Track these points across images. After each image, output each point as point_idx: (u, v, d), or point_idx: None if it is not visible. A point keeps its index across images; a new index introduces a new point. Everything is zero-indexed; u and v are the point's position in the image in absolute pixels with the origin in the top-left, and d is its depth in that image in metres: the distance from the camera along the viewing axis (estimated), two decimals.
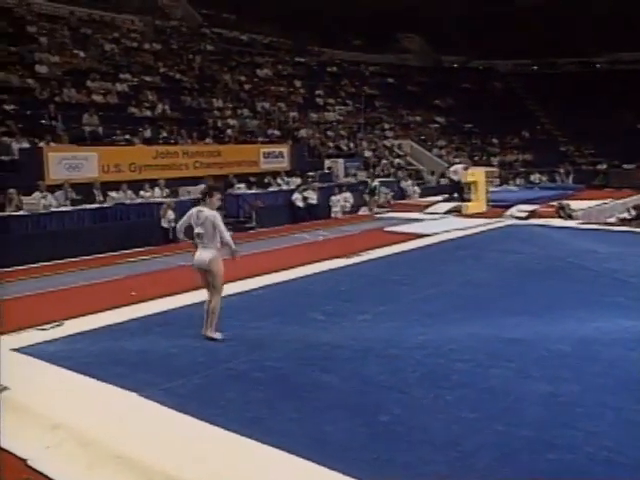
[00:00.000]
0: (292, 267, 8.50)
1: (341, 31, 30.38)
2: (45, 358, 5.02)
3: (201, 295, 6.76)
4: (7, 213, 11.55)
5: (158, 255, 10.72)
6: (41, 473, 3.49)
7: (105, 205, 13.31)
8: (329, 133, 23.00)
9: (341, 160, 20.07)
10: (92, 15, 22.67)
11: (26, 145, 14.00)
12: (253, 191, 16.44)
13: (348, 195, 16.69)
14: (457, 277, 7.51)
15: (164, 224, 13.31)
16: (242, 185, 16.28)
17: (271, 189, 17.03)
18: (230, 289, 7.24)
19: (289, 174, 18.18)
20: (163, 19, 25.53)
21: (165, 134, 17.41)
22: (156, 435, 3.76)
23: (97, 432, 3.81)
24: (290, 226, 14.25)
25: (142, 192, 14.55)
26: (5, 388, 4.45)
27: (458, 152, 25.31)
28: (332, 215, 15.88)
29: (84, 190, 13.55)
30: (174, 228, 12.86)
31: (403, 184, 19.65)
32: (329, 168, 19.60)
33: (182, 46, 24.02)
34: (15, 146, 13.75)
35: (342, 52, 30.81)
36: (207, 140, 17.90)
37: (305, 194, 16.33)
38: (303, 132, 21.83)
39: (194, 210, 5.49)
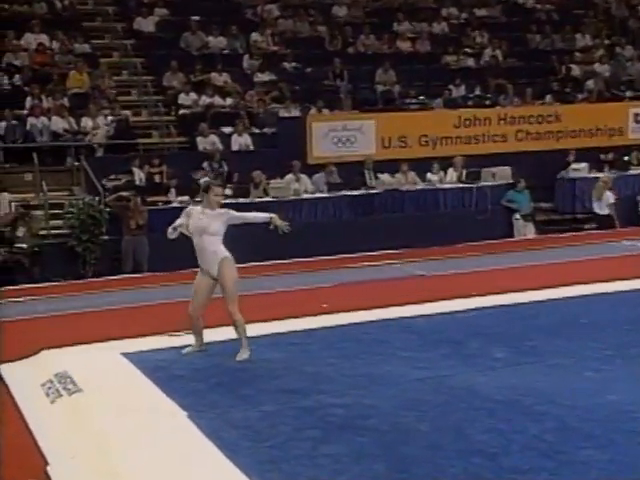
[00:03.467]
0: (563, 285, 9.28)
1: None
2: (141, 366, 6.90)
3: (386, 313, 8.10)
4: (249, 199, 14.62)
5: (398, 261, 12.23)
6: None
7: (372, 192, 15.29)
8: None
9: None
10: None
11: (296, 113, 17.16)
12: (603, 174, 16.17)
13: None
14: None
15: (601, 209, 14.31)
16: (582, 165, 16.21)
17: (635, 171, 16.42)
18: (441, 307, 8.39)
19: None
20: None
21: (479, 92, 18.69)
22: (164, 462, 4.95)
23: (121, 449, 5.22)
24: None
25: (429, 175, 16.14)
26: (78, 390, 6.36)
27: None
28: None
29: (354, 171, 15.77)
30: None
31: None
32: None
33: None
34: (283, 115, 17.12)
35: None
36: (547, 98, 18.37)
37: None
38: None
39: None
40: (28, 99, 15.82)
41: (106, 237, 13.41)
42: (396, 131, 16.62)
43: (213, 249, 7.12)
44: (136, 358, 7.23)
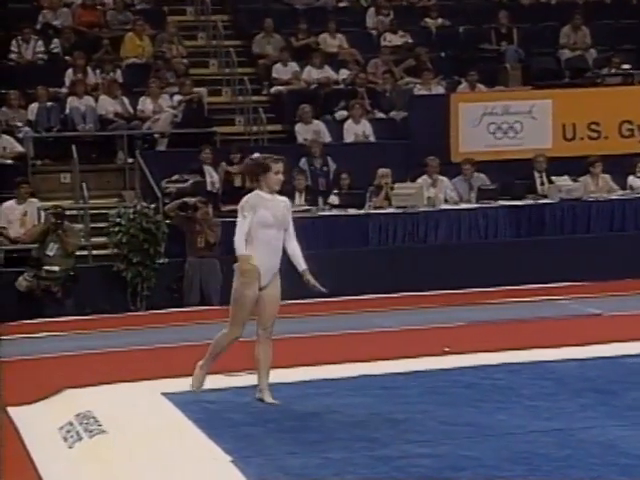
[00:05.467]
0: None
1: None
2: (184, 407, 8.14)
3: (524, 356, 9.16)
4: (364, 210, 15.58)
5: (567, 296, 13.34)
6: None
7: (543, 202, 16.06)
8: None
9: None
10: None
11: (438, 90, 18.15)
12: None
13: None
14: None
15: None
16: None
17: None
18: (602, 351, 9.63)
19: None
20: None
21: None
22: None
23: None
24: None
25: (632, 179, 16.65)
26: (102, 431, 7.58)
27: None
28: None
29: (518, 173, 16.66)
30: None
31: None
32: None
33: None
34: (420, 92, 18.01)
35: None
36: None
37: None
38: None
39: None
40: (69, 72, 17.38)
41: (164, 260, 14.62)
42: (585, 115, 17.29)
43: (279, 253, 8.27)
44: (179, 399, 8.45)
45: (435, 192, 16.14)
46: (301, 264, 8.38)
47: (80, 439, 7.69)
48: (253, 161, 8.33)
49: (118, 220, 14.48)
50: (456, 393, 8.46)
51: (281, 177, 8.29)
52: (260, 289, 8.24)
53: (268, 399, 8.35)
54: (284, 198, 8.42)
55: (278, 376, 8.83)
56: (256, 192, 8.21)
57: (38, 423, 8.46)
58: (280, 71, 18.18)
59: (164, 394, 8.66)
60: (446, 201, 16.19)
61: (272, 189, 8.22)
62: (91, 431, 7.75)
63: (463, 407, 8.01)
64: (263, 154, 8.47)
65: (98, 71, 17.67)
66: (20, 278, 14.05)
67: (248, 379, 9.00)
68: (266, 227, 8.12)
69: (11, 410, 8.76)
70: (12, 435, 8.10)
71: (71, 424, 8.06)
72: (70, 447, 7.64)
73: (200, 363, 8.63)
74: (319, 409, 8.19)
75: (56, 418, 8.38)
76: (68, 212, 15.09)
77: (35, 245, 14.51)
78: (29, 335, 12.08)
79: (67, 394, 9.03)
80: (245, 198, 8.24)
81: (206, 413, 8.05)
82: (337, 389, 8.67)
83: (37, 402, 9.06)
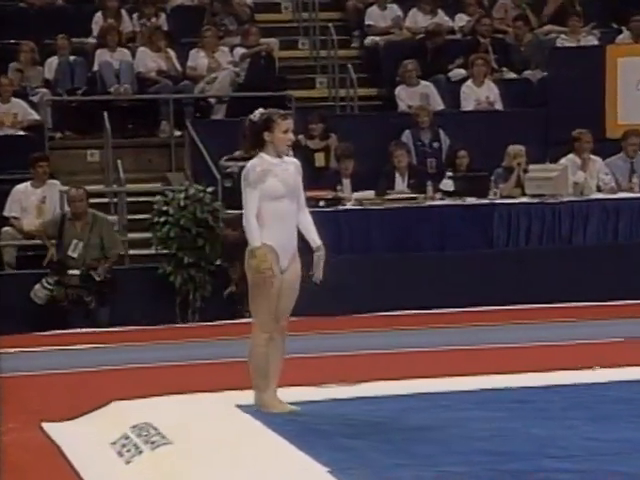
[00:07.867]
0: None
1: None
2: (263, 418, 9.23)
3: None
4: (487, 199, 16.20)
5: None
6: None
7: None
8: None
9: None
10: None
11: (589, 41, 18.73)
12: None
13: None
14: None
15: None
16: None
17: None
18: None
19: None
20: None
21: None
22: None
23: None
24: None
25: None
26: (167, 442, 8.58)
27: None
28: None
29: None
30: None
31: None
32: None
33: None
34: (564, 44, 18.70)
35: None
36: None
37: None
38: None
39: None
40: (97, 17, 18.26)
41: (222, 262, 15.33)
42: None
43: (295, 228, 9.25)
44: (258, 411, 9.55)
45: (585, 176, 16.66)
46: (315, 240, 9.29)
47: (140, 452, 8.73)
48: (253, 120, 9.23)
49: (164, 209, 15.08)
50: (608, 408, 9.44)
51: (291, 136, 9.27)
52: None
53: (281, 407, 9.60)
54: (293, 159, 9.37)
55: (389, 389, 10.21)
56: (260, 156, 9.10)
57: (84, 439, 9.55)
58: (376, 17, 18.91)
59: (239, 406, 9.77)
60: (599, 189, 16.76)
61: (279, 151, 9.19)
62: (153, 442, 8.78)
63: (616, 423, 8.96)
64: (268, 110, 9.31)
65: (135, 16, 18.51)
66: (37, 286, 14.72)
67: (341, 391, 10.33)
68: (277, 199, 9.04)
69: (47, 426, 9.95)
70: (53, 453, 9.22)
71: (127, 437, 9.12)
72: (128, 462, 8.67)
73: (257, 395, 9.69)
74: (434, 422, 9.21)
75: (106, 432, 9.48)
76: (98, 199, 15.86)
77: (53, 242, 15.25)
78: (58, 347, 13.24)
79: (116, 407, 10.15)
80: (249, 165, 9.09)
81: (293, 425, 9.11)
82: (456, 402, 9.75)
83: (79, 417, 10.26)
